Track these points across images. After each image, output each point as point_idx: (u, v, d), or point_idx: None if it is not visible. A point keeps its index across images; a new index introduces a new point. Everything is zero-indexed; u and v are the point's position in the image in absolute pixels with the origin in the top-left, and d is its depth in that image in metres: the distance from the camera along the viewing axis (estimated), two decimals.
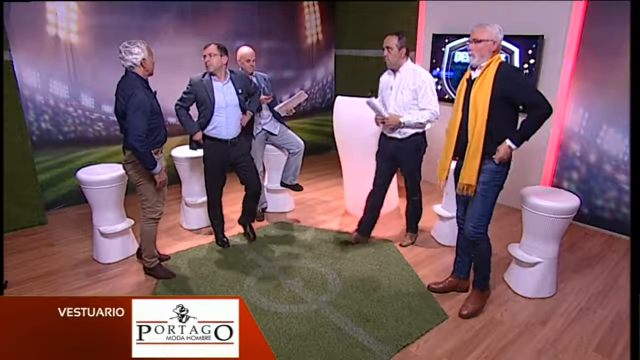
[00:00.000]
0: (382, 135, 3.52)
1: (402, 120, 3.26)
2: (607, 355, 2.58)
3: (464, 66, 4.81)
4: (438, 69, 5.10)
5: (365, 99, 3.33)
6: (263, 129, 3.95)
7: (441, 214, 3.84)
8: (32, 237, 3.96)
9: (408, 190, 3.69)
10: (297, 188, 4.20)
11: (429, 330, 2.74)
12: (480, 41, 2.57)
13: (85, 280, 3.27)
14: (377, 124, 3.43)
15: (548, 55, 4.24)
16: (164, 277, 3.26)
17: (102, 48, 4.46)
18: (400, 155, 3.47)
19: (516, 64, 4.38)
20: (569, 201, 2.96)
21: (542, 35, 4.20)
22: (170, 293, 3.11)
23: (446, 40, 4.94)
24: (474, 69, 2.67)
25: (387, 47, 3.24)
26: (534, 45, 4.23)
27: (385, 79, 3.46)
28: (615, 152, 3.98)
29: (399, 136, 3.38)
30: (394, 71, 3.35)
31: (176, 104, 3.39)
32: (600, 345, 2.65)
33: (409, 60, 3.33)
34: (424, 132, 3.44)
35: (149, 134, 2.86)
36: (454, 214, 3.75)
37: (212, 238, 3.84)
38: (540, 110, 2.52)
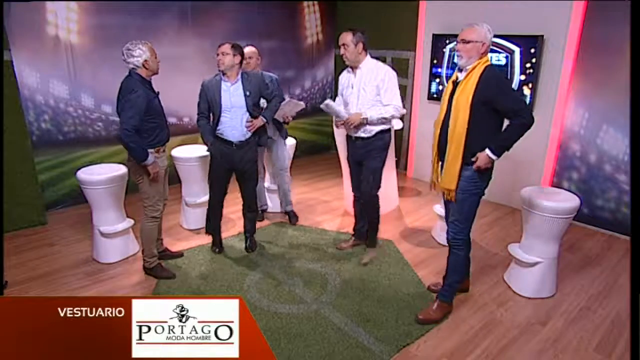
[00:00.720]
0: (348, 137, 3.40)
1: (364, 116, 3.13)
2: (607, 355, 2.58)
3: None
4: (439, 69, 5.11)
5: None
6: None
7: (441, 214, 3.83)
8: (32, 237, 3.96)
9: (364, 188, 3.37)
10: (291, 218, 4.24)
11: (429, 330, 2.74)
12: (468, 42, 2.50)
13: (85, 280, 3.27)
14: (337, 127, 3.35)
15: (548, 55, 4.24)
16: (164, 277, 3.26)
17: (102, 48, 4.46)
18: (367, 154, 3.30)
19: (517, 63, 4.39)
20: (569, 201, 2.96)
21: (542, 35, 4.20)
22: (170, 293, 3.11)
23: (447, 41, 4.93)
24: (460, 70, 2.59)
25: (343, 45, 3.11)
26: (535, 45, 4.23)
27: (345, 77, 3.32)
28: (615, 152, 3.98)
29: (364, 135, 3.23)
30: (354, 68, 3.21)
31: (197, 114, 3.36)
32: (600, 345, 2.65)
33: (369, 55, 3.20)
34: (389, 130, 3.34)
35: (149, 132, 2.90)
36: None
37: (212, 238, 3.84)
38: (521, 120, 2.45)
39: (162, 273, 3.28)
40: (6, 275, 3.27)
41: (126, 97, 2.79)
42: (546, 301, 3.08)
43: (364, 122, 3.17)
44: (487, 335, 2.72)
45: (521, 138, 2.52)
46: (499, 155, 2.53)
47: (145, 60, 2.84)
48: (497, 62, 4.51)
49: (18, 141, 3.89)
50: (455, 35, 4.86)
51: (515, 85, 4.43)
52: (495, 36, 4.44)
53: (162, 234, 3.53)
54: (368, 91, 3.17)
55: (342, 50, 3.14)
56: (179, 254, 3.59)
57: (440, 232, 3.93)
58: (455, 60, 4.94)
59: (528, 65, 4.31)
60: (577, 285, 3.29)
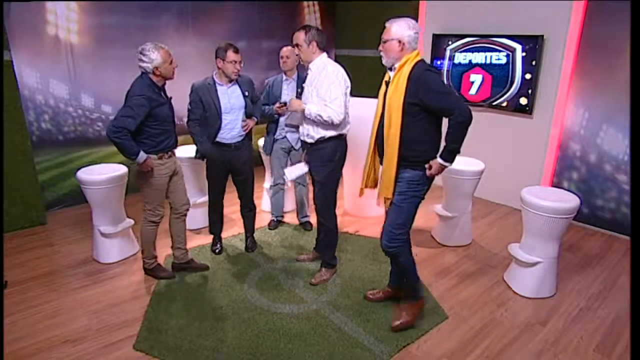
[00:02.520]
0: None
1: (304, 107, 2.90)
2: (607, 355, 2.58)
3: (463, 67, 4.82)
4: (440, 63, 5.10)
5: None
6: (285, 136, 3.80)
7: (441, 214, 3.84)
8: (32, 237, 3.96)
9: (316, 211, 3.19)
10: (306, 227, 4.17)
11: (429, 330, 2.75)
12: (386, 41, 2.41)
13: (85, 280, 3.27)
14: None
15: (548, 55, 4.24)
16: (163, 278, 3.26)
17: (102, 48, 4.46)
18: (311, 165, 3.10)
19: (518, 62, 4.38)
20: (569, 201, 2.96)
21: (542, 35, 4.20)
22: (170, 293, 3.10)
23: (449, 42, 4.92)
24: (391, 69, 2.47)
25: (297, 45, 2.92)
26: (535, 45, 4.23)
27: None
28: (615, 152, 3.98)
29: (307, 140, 3.01)
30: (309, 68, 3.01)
31: (188, 120, 3.28)
32: (600, 345, 2.65)
33: (324, 54, 2.95)
34: (337, 140, 2.99)
35: (151, 138, 2.87)
36: (454, 213, 3.78)
37: (212, 238, 3.84)
38: (456, 118, 2.29)
39: (161, 273, 3.28)
40: (6, 275, 3.28)
41: (130, 99, 2.75)
42: (546, 301, 3.08)
43: (304, 113, 2.92)
44: (487, 335, 2.72)
45: (468, 136, 2.34)
46: (450, 161, 2.42)
47: (156, 67, 2.77)
48: (497, 62, 4.52)
49: (18, 141, 3.90)
50: (456, 36, 4.91)
51: (517, 84, 4.43)
52: (496, 35, 4.47)
53: (186, 244, 3.37)
54: (310, 91, 2.96)
55: (296, 51, 2.96)
56: (205, 267, 3.41)
57: (440, 232, 3.94)
58: (456, 60, 4.97)
59: (534, 62, 4.27)
60: (577, 285, 3.29)
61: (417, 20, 5.16)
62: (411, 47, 2.41)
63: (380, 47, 2.46)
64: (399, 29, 2.40)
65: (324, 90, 2.85)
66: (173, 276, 3.28)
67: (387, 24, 2.45)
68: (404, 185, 2.51)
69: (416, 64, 2.38)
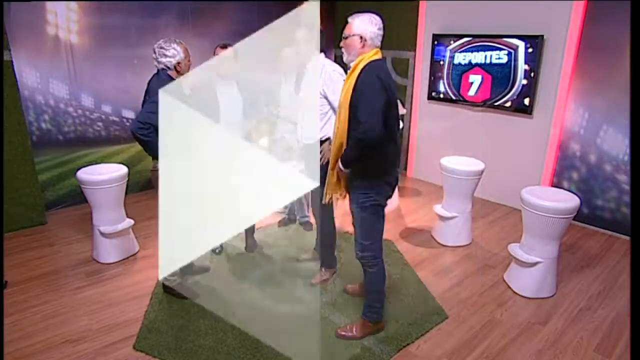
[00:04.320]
0: None
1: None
2: (607, 355, 2.58)
3: (463, 67, 4.82)
4: (440, 72, 5.11)
5: None
6: (284, 136, 3.74)
7: (441, 214, 3.84)
8: (32, 237, 3.96)
9: (314, 213, 3.23)
10: (306, 228, 4.15)
11: (429, 330, 2.75)
12: (347, 37, 2.32)
13: (85, 280, 3.27)
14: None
15: (548, 55, 4.24)
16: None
17: (102, 48, 4.46)
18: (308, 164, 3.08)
19: (521, 60, 4.36)
20: (569, 201, 2.96)
21: (542, 35, 4.20)
22: (169, 294, 3.10)
23: (450, 42, 4.91)
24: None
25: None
26: (535, 41, 4.23)
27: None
28: (615, 152, 3.98)
29: (307, 141, 3.01)
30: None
31: None
32: (600, 345, 2.65)
33: (322, 55, 2.94)
34: (328, 139, 2.92)
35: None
36: (454, 214, 3.78)
37: None
38: (356, 133, 2.19)
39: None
40: (6, 275, 3.28)
41: (154, 96, 2.55)
42: (546, 301, 3.08)
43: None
44: (487, 335, 2.73)
45: (375, 154, 2.25)
46: (345, 167, 2.32)
47: (178, 62, 2.66)
48: (497, 61, 4.51)
49: (18, 141, 3.89)
50: (455, 36, 4.91)
51: (519, 83, 4.42)
52: (496, 35, 4.47)
53: None
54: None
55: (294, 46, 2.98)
56: (205, 267, 3.39)
57: (440, 232, 3.94)
58: (456, 61, 4.96)
59: (535, 62, 4.26)
60: (577, 285, 3.29)
61: (416, 20, 5.22)
62: (373, 44, 2.30)
63: (342, 44, 2.37)
64: (361, 24, 2.29)
65: (332, 93, 2.81)
66: (197, 295, 3.03)
67: (349, 19, 2.34)
68: (355, 194, 2.42)
69: (368, 64, 2.26)
